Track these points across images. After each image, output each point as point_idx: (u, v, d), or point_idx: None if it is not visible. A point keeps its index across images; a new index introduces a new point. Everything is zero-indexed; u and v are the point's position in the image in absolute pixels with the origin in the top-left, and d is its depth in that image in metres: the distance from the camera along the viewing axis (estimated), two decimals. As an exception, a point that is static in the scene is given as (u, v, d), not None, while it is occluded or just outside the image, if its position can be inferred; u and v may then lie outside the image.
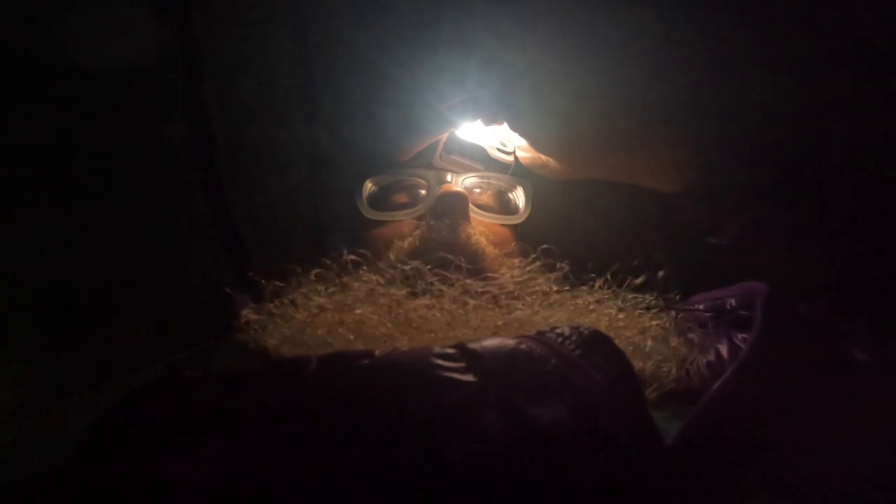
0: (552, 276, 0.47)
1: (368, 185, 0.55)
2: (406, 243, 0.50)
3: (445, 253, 0.46)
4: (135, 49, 0.49)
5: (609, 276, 0.46)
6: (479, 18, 0.53)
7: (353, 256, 0.46)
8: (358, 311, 0.40)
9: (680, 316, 0.47)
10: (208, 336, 0.46)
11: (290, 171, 0.64)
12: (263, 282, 0.45)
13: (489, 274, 0.46)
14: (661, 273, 0.46)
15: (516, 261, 0.51)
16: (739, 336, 0.41)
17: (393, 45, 0.58)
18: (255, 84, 0.59)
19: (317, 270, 0.46)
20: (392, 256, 0.49)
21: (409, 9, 0.59)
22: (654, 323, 0.43)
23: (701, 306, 0.46)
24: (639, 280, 0.46)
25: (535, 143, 0.49)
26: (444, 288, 0.42)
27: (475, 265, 0.47)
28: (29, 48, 0.43)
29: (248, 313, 0.43)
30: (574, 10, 0.50)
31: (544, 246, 0.49)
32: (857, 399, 0.34)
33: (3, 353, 0.42)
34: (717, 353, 0.42)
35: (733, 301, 0.43)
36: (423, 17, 0.58)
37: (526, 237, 0.53)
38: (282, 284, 0.45)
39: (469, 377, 0.29)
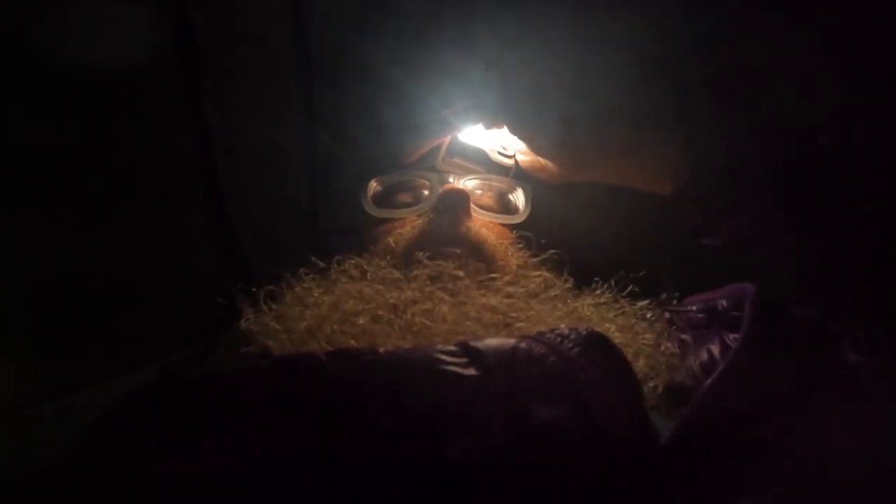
0: (557, 275, 0.48)
1: (373, 185, 0.56)
2: (406, 230, 0.51)
3: (446, 246, 0.46)
4: (135, 49, 0.48)
5: (613, 283, 0.47)
6: (481, 20, 0.54)
7: (352, 260, 0.47)
8: (361, 322, 0.40)
9: (673, 317, 0.47)
10: (208, 335, 0.46)
11: (290, 170, 0.64)
12: (255, 289, 0.44)
13: (496, 275, 0.46)
14: (664, 294, 0.47)
15: (518, 247, 0.52)
16: (731, 336, 0.42)
17: (394, 46, 0.58)
18: (254, 84, 0.59)
19: (314, 275, 0.46)
20: (391, 241, 0.50)
21: (410, 9, 0.59)
22: (648, 336, 0.44)
23: (694, 307, 0.47)
24: (637, 289, 0.46)
25: (533, 146, 0.50)
26: (445, 296, 0.42)
27: (479, 255, 0.48)
28: (28, 48, 0.43)
29: (247, 320, 0.43)
30: (572, 15, 0.51)
31: (553, 251, 0.49)
32: (848, 398, 0.34)
33: (5, 352, 0.42)
34: (710, 354, 0.43)
35: (725, 302, 0.44)
36: (425, 17, 0.58)
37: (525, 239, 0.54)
38: (279, 288, 0.45)
39: (471, 372, 0.29)
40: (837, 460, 0.32)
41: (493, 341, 0.31)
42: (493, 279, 0.45)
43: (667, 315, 0.47)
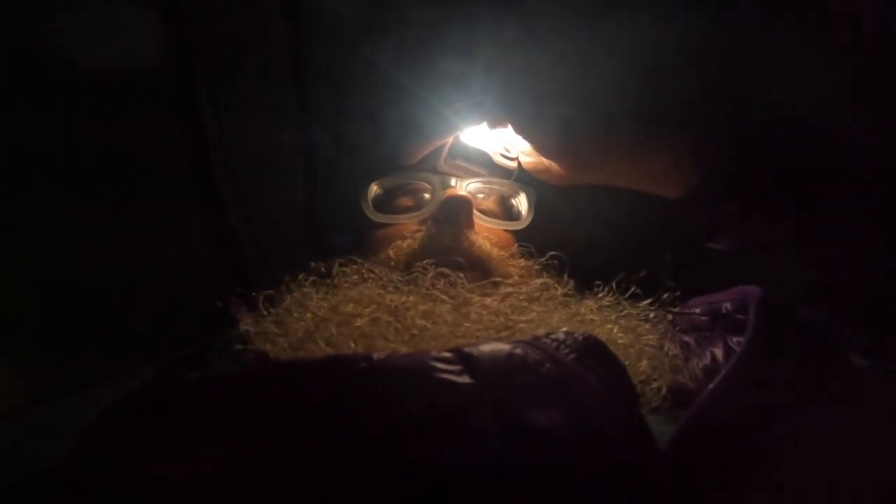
0: (557, 279, 0.47)
1: (373, 188, 0.55)
2: (406, 244, 0.50)
3: (447, 258, 0.46)
4: (131, 50, 0.48)
5: (614, 286, 0.46)
6: (484, 21, 0.53)
7: (351, 264, 0.46)
8: (358, 324, 0.40)
9: (676, 319, 0.47)
10: (206, 336, 0.46)
11: (288, 172, 0.64)
12: (254, 293, 0.44)
13: (497, 279, 0.46)
14: (666, 293, 0.46)
15: (521, 261, 0.51)
16: (734, 340, 0.42)
17: (396, 47, 0.58)
18: (252, 85, 0.59)
19: (313, 277, 0.45)
20: (391, 253, 0.49)
21: (412, 11, 0.59)
22: (651, 337, 0.43)
23: (697, 310, 0.46)
24: (640, 290, 0.46)
25: (538, 146, 0.49)
26: (445, 297, 0.42)
27: (481, 269, 0.48)
28: (28, 48, 0.43)
29: (244, 323, 0.43)
30: (576, 14, 0.50)
31: (552, 253, 0.49)
32: (852, 403, 0.34)
33: (3, 354, 0.42)
34: (713, 357, 0.43)
35: (729, 305, 0.43)
36: (427, 19, 0.57)
37: (528, 243, 0.53)
38: (276, 292, 0.44)
39: (465, 379, 0.29)
40: (840, 466, 0.31)
41: (487, 347, 0.31)
42: (495, 283, 0.45)
43: (669, 317, 0.47)
